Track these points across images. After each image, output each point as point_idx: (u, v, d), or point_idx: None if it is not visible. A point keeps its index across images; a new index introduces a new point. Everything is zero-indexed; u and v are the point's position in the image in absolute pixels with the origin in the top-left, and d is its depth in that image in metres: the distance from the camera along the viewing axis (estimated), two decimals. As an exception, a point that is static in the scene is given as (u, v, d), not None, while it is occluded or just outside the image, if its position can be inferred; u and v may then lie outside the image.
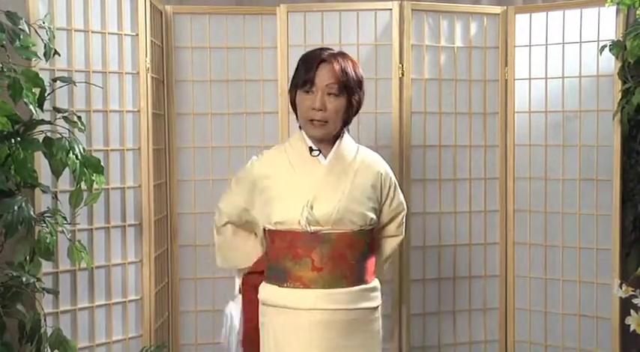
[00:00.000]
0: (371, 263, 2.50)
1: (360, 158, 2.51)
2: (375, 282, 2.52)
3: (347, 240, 2.42)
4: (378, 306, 2.50)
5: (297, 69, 2.48)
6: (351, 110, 2.46)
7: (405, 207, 2.66)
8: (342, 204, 2.41)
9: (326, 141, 2.48)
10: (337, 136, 2.50)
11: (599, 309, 3.49)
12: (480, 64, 3.67)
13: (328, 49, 2.49)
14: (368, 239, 2.48)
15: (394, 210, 2.60)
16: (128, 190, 3.22)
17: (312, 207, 2.38)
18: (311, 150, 2.47)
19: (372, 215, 2.46)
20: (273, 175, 2.49)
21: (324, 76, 2.40)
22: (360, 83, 2.47)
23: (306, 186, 2.43)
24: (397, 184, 2.62)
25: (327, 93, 2.40)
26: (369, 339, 2.46)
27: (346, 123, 2.49)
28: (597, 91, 3.47)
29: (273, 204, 2.44)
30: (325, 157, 2.48)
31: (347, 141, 2.52)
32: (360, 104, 2.50)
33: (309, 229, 2.38)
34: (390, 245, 2.67)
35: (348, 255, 2.42)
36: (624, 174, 3.40)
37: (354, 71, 2.45)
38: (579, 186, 3.54)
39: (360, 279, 2.45)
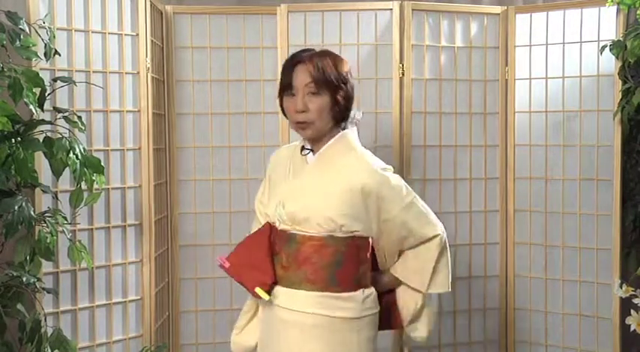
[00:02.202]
0: (349, 273, 2.38)
1: (350, 161, 2.40)
2: (356, 294, 2.38)
3: (314, 244, 2.37)
4: (355, 318, 2.37)
5: (281, 73, 2.45)
6: (338, 107, 2.37)
7: (424, 235, 2.43)
8: (311, 205, 2.36)
9: (323, 141, 2.43)
10: (334, 135, 2.43)
11: (599, 309, 3.49)
12: (480, 64, 3.67)
13: (308, 49, 2.45)
14: (343, 247, 2.36)
15: (389, 220, 2.39)
16: (128, 190, 3.22)
17: (283, 205, 2.40)
18: (302, 149, 2.47)
19: (347, 222, 2.34)
20: (276, 171, 2.53)
21: (301, 77, 2.35)
22: (343, 78, 2.38)
23: (289, 184, 2.45)
24: (396, 198, 2.40)
25: (308, 93, 2.35)
26: (332, 347, 2.37)
27: (338, 120, 2.41)
28: (598, 91, 3.47)
29: (269, 199, 2.50)
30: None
31: (341, 142, 2.43)
32: (347, 100, 2.39)
33: (278, 226, 2.42)
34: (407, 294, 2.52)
35: (314, 259, 2.37)
36: (624, 174, 3.40)
37: (334, 67, 2.37)
38: (579, 186, 3.54)
39: (329, 287, 2.36)
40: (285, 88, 2.39)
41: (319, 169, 2.42)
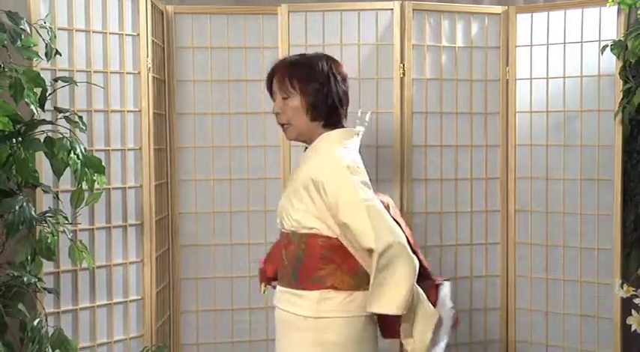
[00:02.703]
0: (308, 271, 2.36)
1: (315, 159, 2.39)
2: (311, 293, 2.36)
3: (284, 240, 2.44)
4: (309, 317, 2.35)
5: None
6: (311, 103, 2.38)
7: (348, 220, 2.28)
8: (281, 202, 2.45)
9: (312, 142, 2.45)
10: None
11: (600, 309, 3.49)
12: (481, 64, 3.67)
13: (287, 58, 2.53)
14: (302, 244, 2.37)
15: (336, 216, 2.31)
16: (129, 190, 3.22)
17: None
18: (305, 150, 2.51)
19: (300, 217, 2.35)
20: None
21: (276, 85, 2.44)
22: (314, 74, 2.40)
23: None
24: (335, 187, 2.30)
25: (282, 98, 2.42)
26: (294, 346, 2.40)
27: (317, 120, 2.40)
28: (598, 91, 3.47)
29: None
30: None
31: (320, 142, 2.42)
32: (324, 94, 2.39)
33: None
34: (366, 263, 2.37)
35: (283, 255, 2.44)
36: (625, 174, 3.40)
37: (302, 67, 2.42)
38: (580, 186, 3.54)
39: (291, 283, 2.40)
40: (271, 95, 2.49)
41: (297, 169, 2.46)
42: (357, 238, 2.27)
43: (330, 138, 2.41)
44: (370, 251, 2.25)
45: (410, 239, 2.36)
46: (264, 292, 2.62)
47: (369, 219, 2.26)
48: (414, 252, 2.31)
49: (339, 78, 2.43)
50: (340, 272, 2.36)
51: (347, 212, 2.27)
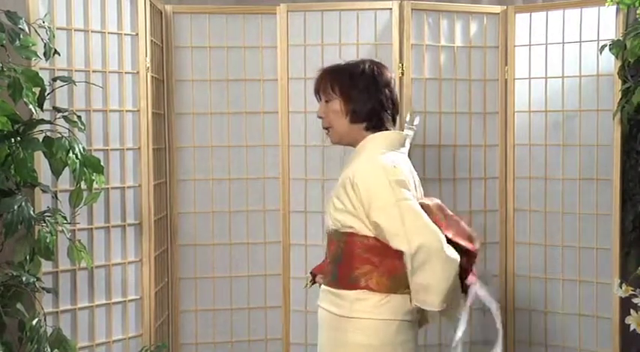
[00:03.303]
0: (346, 270, 2.40)
1: (355, 161, 2.44)
2: (347, 293, 2.38)
3: (329, 239, 2.51)
4: (343, 316, 2.38)
5: None
6: (351, 106, 2.44)
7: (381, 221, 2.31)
8: (327, 204, 2.50)
9: (356, 146, 2.50)
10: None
11: (599, 309, 3.49)
12: (479, 64, 3.67)
13: (331, 66, 2.57)
14: (342, 243, 2.41)
15: (369, 216, 2.34)
16: (128, 190, 3.22)
17: None
18: None
19: (340, 217, 2.39)
20: None
21: (321, 89, 2.52)
22: (354, 78, 2.46)
23: None
24: (370, 189, 2.34)
25: (325, 102, 2.50)
26: (331, 346, 2.43)
27: (357, 122, 2.46)
28: (597, 91, 3.47)
29: None
30: None
31: (363, 145, 2.47)
32: (364, 98, 2.44)
33: None
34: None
35: (327, 253, 2.52)
36: (624, 174, 3.40)
37: (343, 71, 2.50)
38: (579, 186, 3.54)
39: (332, 282, 2.44)
40: (319, 100, 2.56)
41: (342, 171, 2.50)
42: (388, 238, 2.31)
43: (373, 141, 2.46)
44: (402, 252, 2.29)
45: (464, 242, 2.39)
46: (305, 286, 2.72)
47: (400, 220, 2.29)
48: (468, 253, 2.38)
49: (381, 82, 2.48)
50: (377, 273, 2.37)
51: (378, 212, 2.31)
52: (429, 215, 2.34)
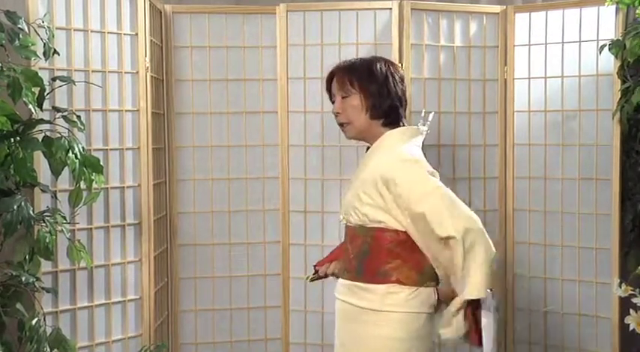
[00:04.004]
0: (374, 264, 2.44)
1: (381, 156, 2.47)
2: (377, 286, 2.43)
3: (351, 234, 2.52)
4: (372, 310, 2.43)
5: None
6: (371, 101, 2.48)
7: (427, 208, 2.33)
8: (349, 198, 2.51)
9: (373, 141, 2.53)
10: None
11: (598, 308, 3.49)
12: (479, 64, 3.67)
13: (345, 61, 2.60)
14: (369, 238, 2.44)
15: (407, 210, 2.37)
16: (127, 189, 3.22)
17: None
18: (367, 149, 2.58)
19: (369, 212, 2.42)
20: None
21: (336, 86, 2.54)
22: (373, 74, 2.50)
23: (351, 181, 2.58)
24: (411, 181, 2.38)
25: (341, 98, 2.52)
26: (354, 338, 2.48)
27: (376, 118, 2.49)
28: (597, 91, 3.47)
29: None
30: None
31: (383, 141, 2.50)
32: (383, 93, 2.48)
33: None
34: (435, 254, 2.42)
35: (349, 248, 2.52)
36: (623, 174, 3.40)
37: (361, 67, 2.52)
38: (579, 186, 3.54)
39: (356, 276, 2.48)
40: (330, 97, 2.59)
41: (362, 166, 2.55)
42: (433, 226, 2.33)
43: (392, 137, 2.50)
44: (447, 239, 2.31)
45: None
46: (306, 278, 2.76)
47: (445, 207, 2.34)
48: None
49: (397, 78, 2.53)
50: (407, 267, 2.43)
51: (422, 202, 2.34)
52: None
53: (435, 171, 2.45)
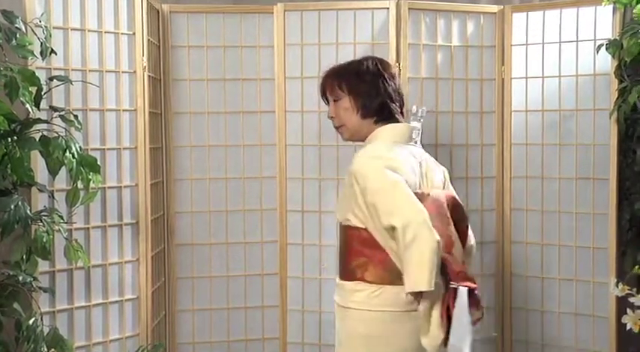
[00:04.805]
0: (345, 262, 2.50)
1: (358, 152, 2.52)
2: (345, 283, 2.48)
3: (339, 233, 2.58)
4: (340, 306, 2.49)
5: None
6: (360, 102, 2.52)
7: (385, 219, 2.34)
8: (338, 198, 2.60)
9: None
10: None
11: (595, 308, 3.50)
12: (476, 63, 3.67)
13: (333, 66, 2.66)
14: (342, 235, 2.51)
15: (366, 200, 2.39)
16: (125, 189, 3.21)
17: None
18: None
19: (345, 212, 2.46)
20: None
21: (328, 91, 2.61)
22: (360, 74, 2.54)
23: None
24: (369, 182, 2.38)
25: (334, 102, 2.59)
26: (338, 335, 2.54)
27: (367, 117, 2.54)
28: (594, 90, 3.47)
29: None
30: None
31: (373, 137, 2.55)
32: (372, 92, 2.52)
33: None
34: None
35: (338, 246, 2.60)
36: (621, 173, 3.40)
37: (348, 69, 2.59)
38: (576, 185, 3.54)
39: (339, 273, 2.55)
40: (326, 102, 2.65)
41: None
42: (381, 217, 2.34)
43: (379, 134, 2.54)
44: (393, 229, 2.31)
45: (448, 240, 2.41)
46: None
47: (394, 199, 2.34)
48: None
49: (386, 75, 2.56)
50: (372, 265, 2.45)
51: (374, 193, 2.36)
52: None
53: (401, 166, 2.41)
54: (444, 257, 2.35)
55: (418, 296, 2.34)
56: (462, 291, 2.30)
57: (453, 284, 2.32)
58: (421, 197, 2.40)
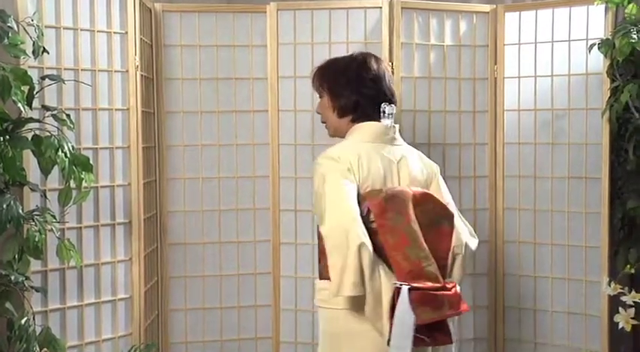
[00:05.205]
0: (319, 261, 2.52)
1: None
2: (319, 283, 2.52)
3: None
4: (316, 305, 2.54)
5: None
6: (337, 101, 2.57)
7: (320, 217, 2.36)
8: None
9: None
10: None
11: (588, 307, 3.51)
12: (469, 62, 3.68)
13: (321, 63, 2.70)
14: (318, 236, 2.47)
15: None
16: (117, 188, 3.21)
17: None
18: None
19: (314, 211, 2.47)
20: None
21: (315, 88, 2.69)
22: (338, 73, 2.59)
23: None
24: (319, 175, 2.41)
25: (319, 98, 2.67)
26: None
27: (343, 115, 2.57)
28: (586, 89, 3.48)
29: None
30: None
31: (344, 138, 2.58)
32: (347, 92, 2.55)
33: None
34: None
35: None
36: (613, 172, 3.41)
37: (329, 67, 2.65)
38: (568, 184, 3.55)
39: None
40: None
41: None
42: (319, 223, 2.38)
43: (351, 133, 2.57)
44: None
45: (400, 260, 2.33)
46: None
47: (324, 204, 2.34)
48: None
49: (365, 76, 2.55)
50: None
51: (314, 197, 2.42)
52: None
53: (349, 167, 2.39)
54: (392, 256, 2.31)
55: (361, 298, 2.31)
56: (404, 290, 2.25)
57: (396, 284, 2.28)
58: (373, 194, 2.38)
